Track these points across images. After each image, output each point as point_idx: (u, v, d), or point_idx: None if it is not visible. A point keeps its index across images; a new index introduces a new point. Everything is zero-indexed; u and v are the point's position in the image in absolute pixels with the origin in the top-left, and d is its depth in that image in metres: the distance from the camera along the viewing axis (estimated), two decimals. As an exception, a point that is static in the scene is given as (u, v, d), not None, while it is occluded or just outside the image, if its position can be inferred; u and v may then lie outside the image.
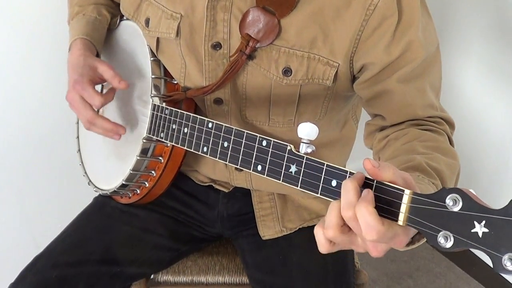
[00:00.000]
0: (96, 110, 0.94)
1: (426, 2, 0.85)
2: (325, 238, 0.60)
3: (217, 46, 0.88)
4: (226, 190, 1.09)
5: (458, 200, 0.52)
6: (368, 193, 0.56)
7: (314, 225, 1.05)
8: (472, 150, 1.63)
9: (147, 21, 0.96)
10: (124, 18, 1.05)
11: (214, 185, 1.09)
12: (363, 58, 0.84)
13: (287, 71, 0.86)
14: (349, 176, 0.61)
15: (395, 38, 0.81)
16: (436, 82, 0.89)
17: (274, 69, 0.86)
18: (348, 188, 0.57)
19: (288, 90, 0.89)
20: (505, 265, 0.49)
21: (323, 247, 0.61)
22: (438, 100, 0.90)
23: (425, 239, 0.56)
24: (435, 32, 0.87)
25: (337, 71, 0.85)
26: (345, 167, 0.65)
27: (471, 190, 0.53)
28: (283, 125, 0.95)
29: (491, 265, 0.50)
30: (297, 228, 1.06)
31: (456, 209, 0.52)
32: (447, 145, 0.84)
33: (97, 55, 1.03)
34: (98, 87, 1.06)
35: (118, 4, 1.05)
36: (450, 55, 1.59)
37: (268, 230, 1.06)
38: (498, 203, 0.53)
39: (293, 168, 0.67)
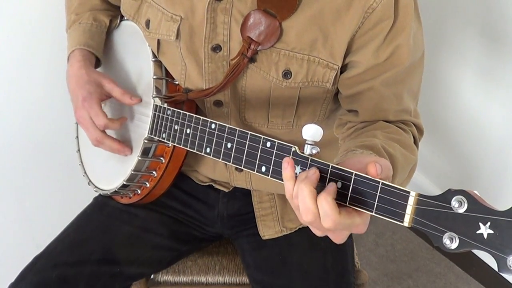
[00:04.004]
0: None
1: (418, 8, 0.86)
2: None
3: (217, 48, 0.88)
4: (226, 190, 1.09)
5: (464, 201, 0.53)
6: (331, 186, 0.62)
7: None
8: (472, 150, 1.64)
9: (147, 23, 0.96)
10: (125, 18, 1.05)
11: (214, 185, 1.09)
12: (352, 55, 0.85)
13: (287, 74, 0.86)
14: (354, 177, 0.61)
15: (385, 42, 0.82)
16: (415, 87, 0.91)
17: (274, 71, 0.87)
18: (305, 194, 0.61)
19: (287, 92, 0.89)
20: (510, 266, 0.50)
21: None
22: (414, 104, 0.92)
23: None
24: (423, 38, 0.89)
25: (336, 74, 0.86)
26: None
27: (475, 192, 0.54)
28: (281, 127, 0.96)
29: (496, 266, 0.51)
30: (297, 228, 1.06)
31: (462, 210, 0.53)
32: (409, 141, 0.86)
33: (98, 61, 1.04)
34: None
35: (118, 7, 1.05)
36: (449, 56, 1.60)
37: (268, 230, 1.06)
38: (498, 203, 0.53)
39: (297, 170, 0.67)
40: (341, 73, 0.89)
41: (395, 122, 0.89)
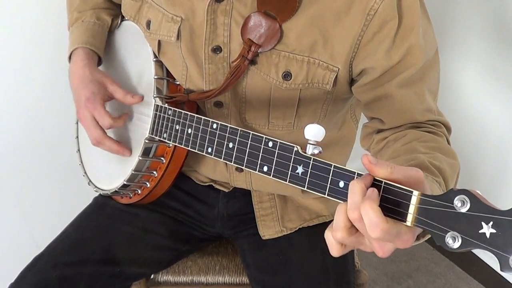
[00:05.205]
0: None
1: (425, 6, 0.86)
2: (335, 241, 0.60)
3: (217, 49, 0.88)
4: (226, 190, 1.09)
5: (466, 201, 0.53)
6: (373, 192, 0.57)
7: (314, 225, 1.07)
8: (472, 150, 1.64)
9: (148, 24, 0.96)
10: (126, 18, 1.05)
11: (214, 185, 1.09)
12: (363, 62, 0.84)
13: (286, 75, 0.86)
14: (357, 177, 0.61)
15: (395, 43, 0.81)
16: (434, 86, 0.90)
17: (274, 73, 0.86)
18: (355, 189, 0.58)
19: (287, 94, 0.89)
20: (513, 265, 0.50)
21: (335, 250, 0.61)
22: (435, 103, 0.91)
23: (429, 235, 0.57)
24: (434, 36, 0.88)
25: (336, 76, 0.85)
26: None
27: (478, 191, 0.54)
28: (282, 128, 0.96)
29: (498, 265, 0.51)
30: (297, 228, 1.06)
31: (464, 210, 0.53)
32: (447, 146, 0.85)
33: (99, 59, 1.04)
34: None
35: (119, 5, 1.05)
36: (449, 56, 1.60)
37: (268, 230, 1.06)
38: (498, 204, 0.53)
39: (300, 169, 0.67)
40: (354, 81, 0.88)
41: (423, 124, 0.88)
